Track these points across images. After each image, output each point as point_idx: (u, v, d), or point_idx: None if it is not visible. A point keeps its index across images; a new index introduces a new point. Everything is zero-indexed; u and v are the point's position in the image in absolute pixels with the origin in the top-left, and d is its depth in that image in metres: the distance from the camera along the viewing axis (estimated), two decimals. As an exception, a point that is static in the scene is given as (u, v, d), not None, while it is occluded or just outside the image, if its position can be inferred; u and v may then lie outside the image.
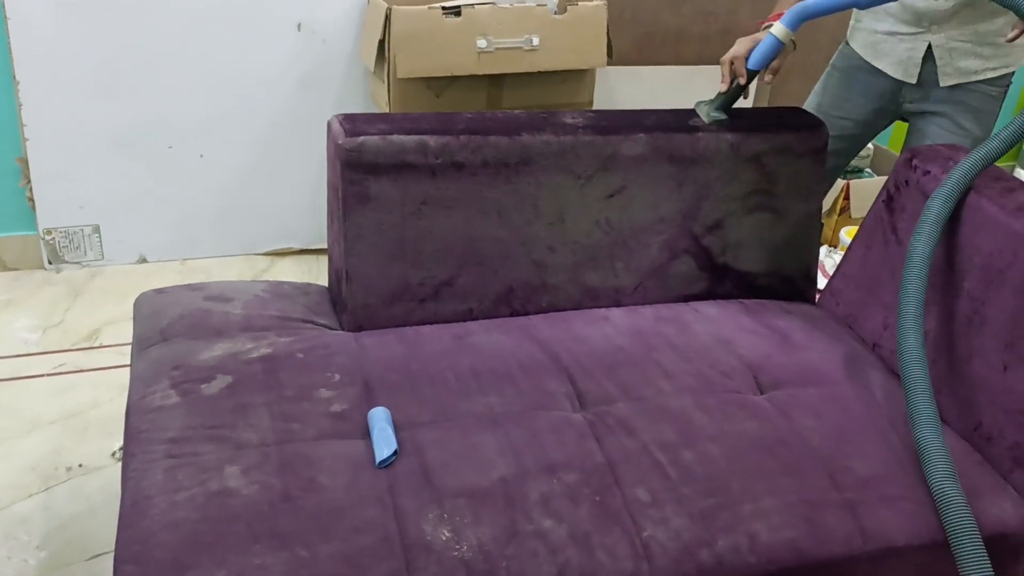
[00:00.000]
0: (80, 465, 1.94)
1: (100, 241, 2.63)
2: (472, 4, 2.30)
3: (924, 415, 1.41)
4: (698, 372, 1.60)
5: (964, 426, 1.52)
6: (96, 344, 2.34)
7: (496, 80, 2.40)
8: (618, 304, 1.82)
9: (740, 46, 1.79)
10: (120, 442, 1.64)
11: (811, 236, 1.94)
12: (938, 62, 1.92)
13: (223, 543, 1.17)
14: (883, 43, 1.99)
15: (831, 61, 2.15)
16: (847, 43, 2.11)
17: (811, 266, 1.97)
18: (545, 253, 1.76)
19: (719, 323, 1.76)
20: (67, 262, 2.63)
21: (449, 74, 2.32)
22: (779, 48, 1.73)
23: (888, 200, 1.78)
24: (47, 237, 2.58)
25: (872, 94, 2.06)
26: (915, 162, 1.73)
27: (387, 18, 2.24)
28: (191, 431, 1.35)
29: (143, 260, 2.70)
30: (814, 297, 1.97)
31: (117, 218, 2.61)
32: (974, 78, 1.91)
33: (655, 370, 1.59)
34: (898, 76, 1.99)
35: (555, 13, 2.38)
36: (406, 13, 2.23)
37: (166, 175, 2.59)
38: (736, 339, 1.71)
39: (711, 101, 1.83)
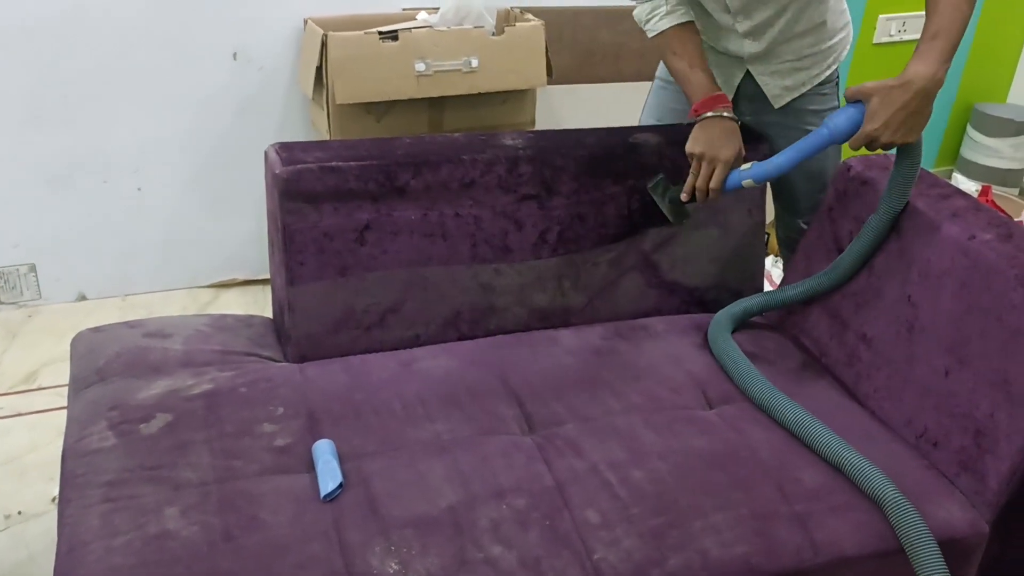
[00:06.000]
0: (19, 512, 1.87)
1: (37, 280, 2.57)
2: (409, 28, 2.30)
3: (832, 440, 1.42)
4: (647, 390, 1.59)
5: (910, 432, 1.52)
6: (34, 386, 2.27)
7: (437, 103, 2.39)
8: (567, 324, 1.81)
9: (723, 156, 1.63)
10: (59, 487, 1.59)
11: (757, 249, 1.95)
12: (764, 88, 1.84)
13: (162, 588, 1.14)
14: None
15: (657, 74, 2.03)
16: None
17: (758, 278, 1.98)
18: (491, 275, 1.75)
19: (668, 339, 1.76)
20: (2, 303, 2.56)
21: (388, 99, 2.31)
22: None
23: (829, 210, 1.80)
24: (-19, 278, 2.52)
25: None
26: (852, 172, 1.76)
27: (323, 44, 2.22)
28: (129, 473, 1.31)
29: (82, 298, 2.64)
30: (761, 309, 1.98)
31: (54, 256, 2.55)
32: (803, 90, 1.84)
33: (604, 389, 1.58)
34: None
35: (493, 34, 2.38)
36: (343, 39, 2.22)
37: (103, 210, 2.54)
38: (685, 355, 1.71)
39: (667, 199, 1.72)
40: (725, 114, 1.68)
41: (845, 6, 1.83)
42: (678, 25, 1.72)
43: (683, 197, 1.69)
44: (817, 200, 1.97)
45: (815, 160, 1.90)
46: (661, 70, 2.02)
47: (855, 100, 1.50)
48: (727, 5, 1.73)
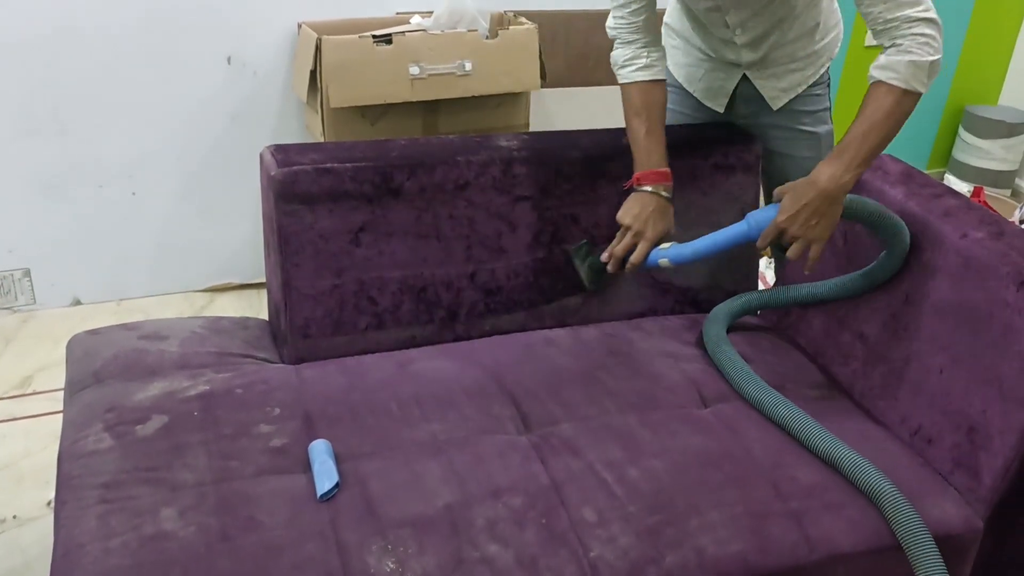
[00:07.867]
0: (14, 517, 1.87)
1: (31, 285, 2.56)
2: (403, 32, 2.30)
3: (826, 437, 1.43)
4: (642, 389, 1.60)
5: (905, 430, 1.53)
6: (29, 391, 2.27)
7: (431, 106, 2.39)
8: (562, 324, 1.82)
9: (649, 234, 1.64)
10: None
11: (750, 250, 1.94)
12: (761, 91, 1.85)
13: (159, 589, 1.14)
14: (694, 68, 1.93)
15: None
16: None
17: (752, 278, 1.99)
18: (487, 276, 1.75)
19: (662, 339, 1.76)
20: (-3, 308, 2.56)
21: (383, 102, 2.31)
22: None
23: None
24: (-24, 283, 2.52)
25: (702, 111, 1.97)
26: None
27: (318, 48, 2.23)
28: (125, 474, 1.31)
29: (77, 302, 2.63)
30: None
31: (49, 261, 2.55)
32: (799, 90, 1.85)
33: (599, 389, 1.59)
34: (707, 103, 1.94)
35: (486, 37, 2.39)
36: (337, 43, 2.22)
37: (98, 215, 2.54)
38: (679, 354, 1.71)
39: (586, 263, 1.73)
40: (663, 193, 1.67)
41: (836, 4, 1.85)
42: (650, 82, 1.70)
43: (604, 257, 1.69)
44: None
45: (797, 160, 1.92)
46: None
47: (778, 200, 1.54)
48: (726, 21, 1.74)
